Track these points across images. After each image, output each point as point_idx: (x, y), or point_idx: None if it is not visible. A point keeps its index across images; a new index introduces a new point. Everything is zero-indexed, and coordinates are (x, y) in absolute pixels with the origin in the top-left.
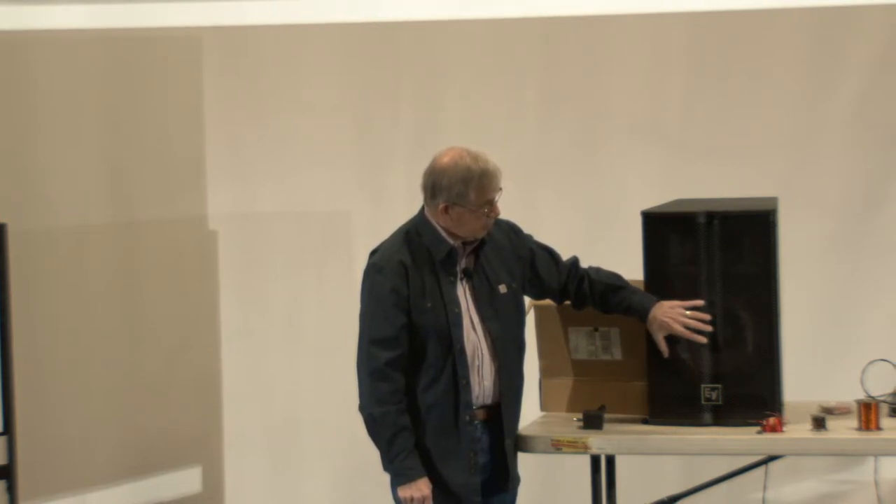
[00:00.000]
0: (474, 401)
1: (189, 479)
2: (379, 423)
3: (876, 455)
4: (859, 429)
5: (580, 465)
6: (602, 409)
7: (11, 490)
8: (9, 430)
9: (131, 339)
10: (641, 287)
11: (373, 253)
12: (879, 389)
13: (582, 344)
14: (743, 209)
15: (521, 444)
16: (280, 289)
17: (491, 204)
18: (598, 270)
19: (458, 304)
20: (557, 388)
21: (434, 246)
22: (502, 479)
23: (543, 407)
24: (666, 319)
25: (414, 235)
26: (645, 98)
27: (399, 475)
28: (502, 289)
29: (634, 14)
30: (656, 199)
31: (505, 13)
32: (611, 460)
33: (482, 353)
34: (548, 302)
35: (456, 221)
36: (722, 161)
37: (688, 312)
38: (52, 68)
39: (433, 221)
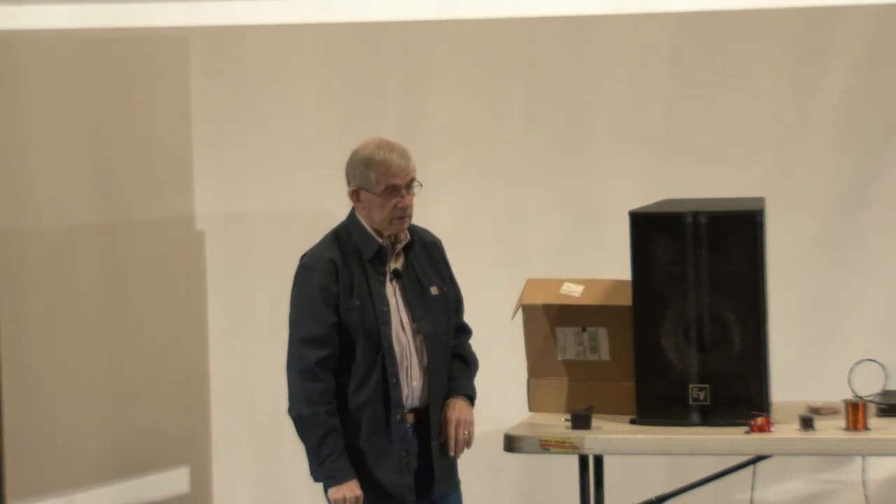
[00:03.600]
0: (404, 401)
1: (177, 480)
2: (308, 424)
3: (863, 455)
4: (847, 429)
5: (568, 466)
6: (590, 409)
7: (0, 490)
8: None
9: (118, 340)
10: (629, 287)
11: (304, 255)
12: (867, 389)
13: (570, 344)
14: (730, 209)
15: (510, 444)
16: (267, 289)
17: (395, 191)
18: (465, 349)
19: (386, 303)
20: (545, 389)
21: (363, 244)
22: (428, 483)
23: (531, 407)
24: (451, 415)
25: (344, 235)
26: (630, 98)
27: (329, 477)
28: (433, 290)
29: (620, 14)
30: (642, 199)
31: (490, 14)
32: (599, 460)
33: (410, 354)
34: (536, 301)
35: (366, 209)
36: (707, 161)
37: (467, 431)
38: (38, 68)
39: (362, 220)
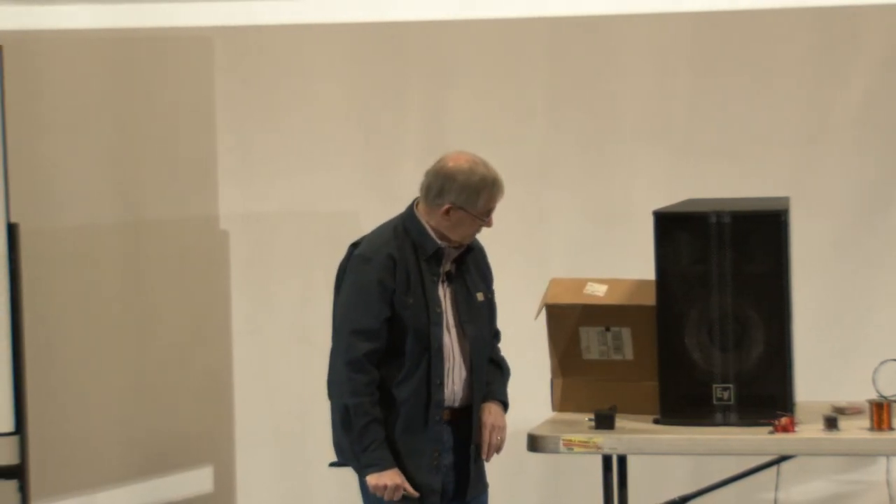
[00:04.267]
0: (445, 402)
1: (200, 479)
2: (352, 413)
3: (888, 455)
4: (871, 429)
5: (592, 465)
6: (613, 408)
7: (23, 490)
8: (20, 429)
9: (142, 339)
10: (652, 287)
11: (354, 245)
12: (891, 389)
13: (593, 344)
14: (754, 209)
15: (533, 443)
16: (290, 288)
17: (490, 213)
18: (499, 356)
19: (440, 304)
20: (568, 388)
21: (422, 243)
22: (462, 484)
23: (555, 407)
24: (487, 420)
25: (401, 231)
26: (653, 98)
27: (370, 465)
28: (479, 296)
29: (641, 14)
30: (665, 199)
31: (512, 13)
32: (622, 460)
33: (454, 356)
34: (560, 301)
35: (453, 225)
36: (730, 161)
37: (500, 437)
38: (63, 69)
39: (422, 220)
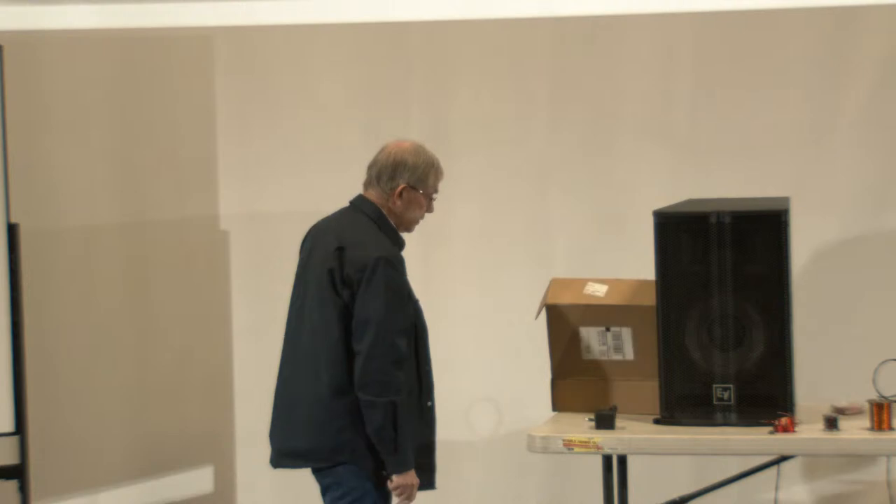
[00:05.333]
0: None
1: (200, 479)
2: (403, 411)
3: (888, 455)
4: (871, 429)
5: (592, 466)
6: (614, 408)
7: (23, 490)
8: (20, 429)
9: (142, 339)
10: (653, 287)
11: (346, 248)
12: (892, 389)
13: (594, 343)
14: (755, 209)
15: (533, 443)
16: (284, 289)
17: (433, 197)
18: None
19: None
20: (569, 388)
21: (399, 240)
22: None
23: (555, 407)
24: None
25: (386, 230)
26: (655, 98)
27: (407, 463)
28: None
29: (644, 14)
30: (667, 199)
31: (515, 13)
32: (623, 460)
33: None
34: (560, 301)
35: (405, 207)
36: (732, 161)
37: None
38: (63, 68)
39: (386, 214)
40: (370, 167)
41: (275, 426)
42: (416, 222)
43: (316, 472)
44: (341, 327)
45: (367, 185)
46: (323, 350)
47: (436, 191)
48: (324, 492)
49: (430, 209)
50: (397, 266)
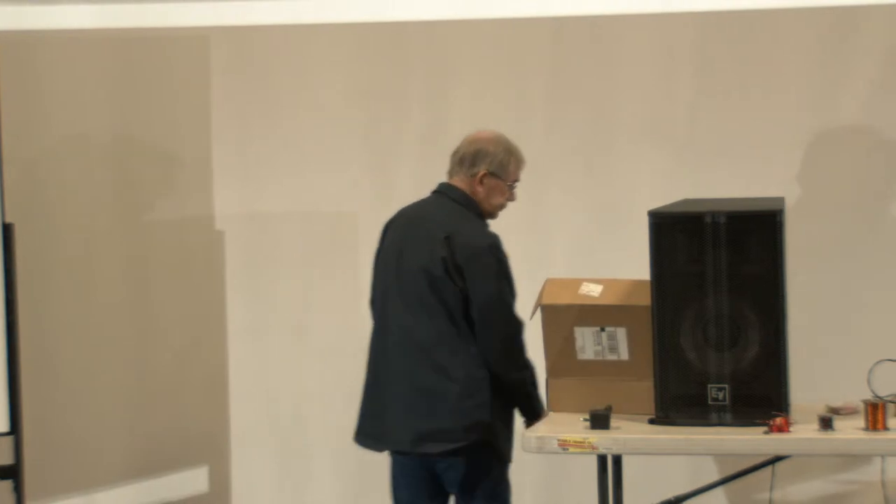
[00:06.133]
0: None
1: (196, 479)
2: (531, 377)
3: (883, 455)
4: (866, 429)
5: (587, 466)
6: (608, 408)
7: (18, 490)
8: (15, 429)
9: (138, 339)
10: (648, 287)
11: (453, 235)
12: (886, 389)
13: (588, 344)
14: (749, 209)
15: (528, 443)
16: (287, 289)
17: (515, 186)
18: None
19: None
20: (564, 388)
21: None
22: None
23: (550, 407)
24: None
25: (476, 215)
26: (652, 98)
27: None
28: None
29: (642, 14)
30: (663, 199)
31: (513, 13)
32: (617, 460)
33: None
34: (555, 301)
35: (486, 193)
36: (730, 161)
37: None
38: (59, 68)
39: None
40: (453, 155)
41: (391, 412)
42: (500, 209)
43: (439, 456)
44: (459, 311)
45: (451, 172)
46: (443, 334)
47: (517, 179)
48: (446, 472)
49: (511, 197)
50: (501, 251)
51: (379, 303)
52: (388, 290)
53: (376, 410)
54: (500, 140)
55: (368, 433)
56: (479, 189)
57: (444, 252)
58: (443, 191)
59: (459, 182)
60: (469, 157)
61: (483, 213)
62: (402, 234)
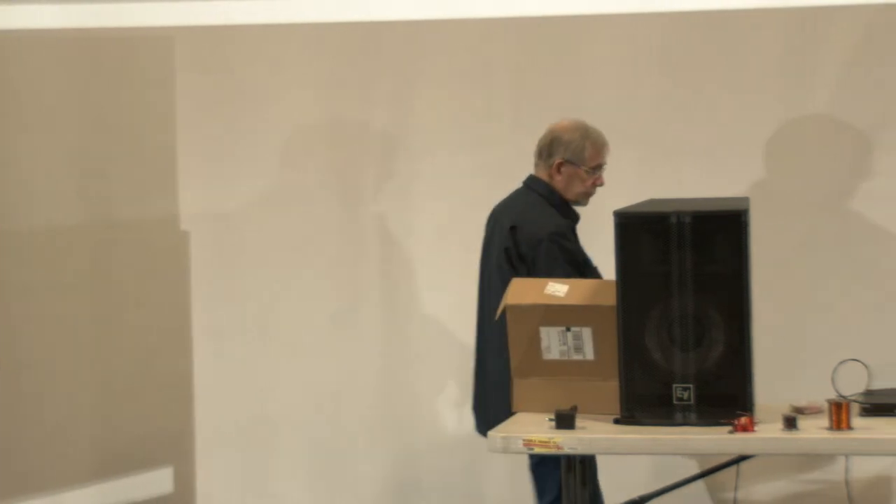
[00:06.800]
0: None
1: (161, 480)
2: None
3: (847, 455)
4: (830, 428)
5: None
6: (574, 408)
7: None
8: None
9: (103, 340)
10: (613, 287)
11: (518, 226)
12: (850, 389)
13: (554, 344)
14: (715, 209)
15: (494, 443)
16: (252, 289)
17: (598, 169)
18: None
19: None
20: (529, 388)
21: (571, 212)
22: None
23: (515, 407)
24: None
25: (556, 204)
26: (619, 98)
27: None
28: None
29: (609, 14)
30: (630, 199)
31: (480, 13)
32: (583, 461)
33: None
34: (520, 301)
35: (566, 182)
36: (696, 161)
37: None
38: (24, 68)
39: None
40: (537, 145)
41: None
42: (585, 196)
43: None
44: None
45: (535, 164)
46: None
47: (597, 164)
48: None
49: (598, 182)
50: (567, 237)
51: (480, 293)
52: (481, 281)
53: (477, 396)
54: (576, 127)
55: (476, 417)
56: (558, 178)
57: (508, 243)
58: (527, 183)
59: (540, 173)
60: (546, 147)
61: (568, 202)
62: (488, 228)
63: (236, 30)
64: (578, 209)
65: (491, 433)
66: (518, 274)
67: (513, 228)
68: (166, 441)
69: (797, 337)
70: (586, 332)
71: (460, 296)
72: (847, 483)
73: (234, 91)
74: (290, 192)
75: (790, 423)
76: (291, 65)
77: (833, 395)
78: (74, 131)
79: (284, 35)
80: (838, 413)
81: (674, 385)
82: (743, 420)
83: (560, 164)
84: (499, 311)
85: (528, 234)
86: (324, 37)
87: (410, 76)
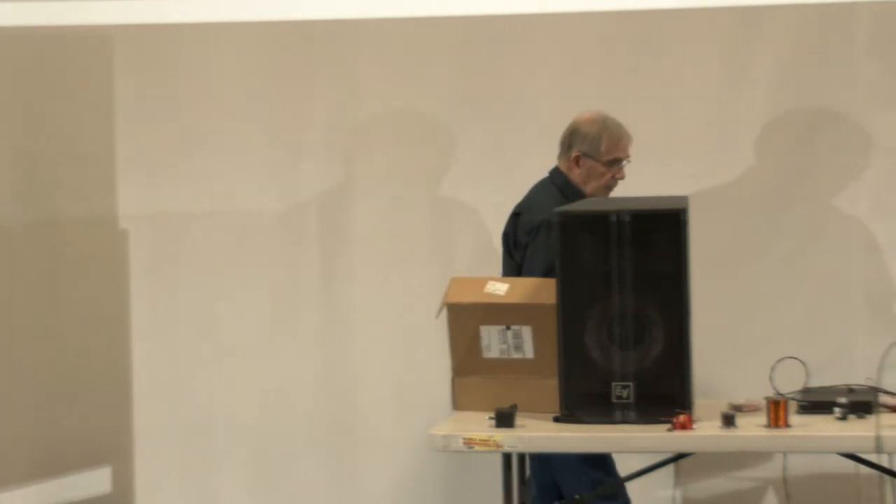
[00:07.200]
0: None
1: (99, 480)
2: None
3: (784, 452)
4: (768, 426)
5: (493, 464)
6: (514, 407)
7: None
8: None
9: (41, 339)
10: (553, 285)
11: (520, 213)
12: (788, 387)
13: (494, 342)
14: (654, 208)
15: (434, 442)
16: (191, 288)
17: (617, 163)
18: None
19: None
20: (469, 387)
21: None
22: None
23: (455, 406)
24: None
25: (568, 192)
26: (559, 97)
27: None
28: None
29: (550, 13)
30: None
31: (419, 13)
32: (522, 458)
33: None
34: (460, 300)
35: (585, 175)
36: (636, 160)
37: None
38: None
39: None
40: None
41: None
42: (605, 190)
43: None
44: None
45: (558, 156)
46: None
47: (615, 158)
48: None
49: (618, 175)
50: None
51: None
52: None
53: None
54: (596, 119)
55: None
56: (577, 171)
57: (508, 228)
58: (550, 174)
59: (561, 165)
60: (566, 140)
61: (587, 196)
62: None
63: (175, 29)
64: None
65: (431, 431)
66: (514, 260)
67: (516, 215)
68: (104, 440)
69: (736, 335)
70: (526, 331)
71: (402, 295)
72: (785, 480)
73: (174, 90)
74: (230, 190)
75: (728, 420)
76: (231, 64)
77: (771, 393)
78: (12, 130)
79: (224, 34)
80: (776, 411)
81: (613, 383)
82: (682, 418)
83: (578, 157)
84: (438, 311)
85: (526, 221)
86: (264, 36)
87: (350, 76)
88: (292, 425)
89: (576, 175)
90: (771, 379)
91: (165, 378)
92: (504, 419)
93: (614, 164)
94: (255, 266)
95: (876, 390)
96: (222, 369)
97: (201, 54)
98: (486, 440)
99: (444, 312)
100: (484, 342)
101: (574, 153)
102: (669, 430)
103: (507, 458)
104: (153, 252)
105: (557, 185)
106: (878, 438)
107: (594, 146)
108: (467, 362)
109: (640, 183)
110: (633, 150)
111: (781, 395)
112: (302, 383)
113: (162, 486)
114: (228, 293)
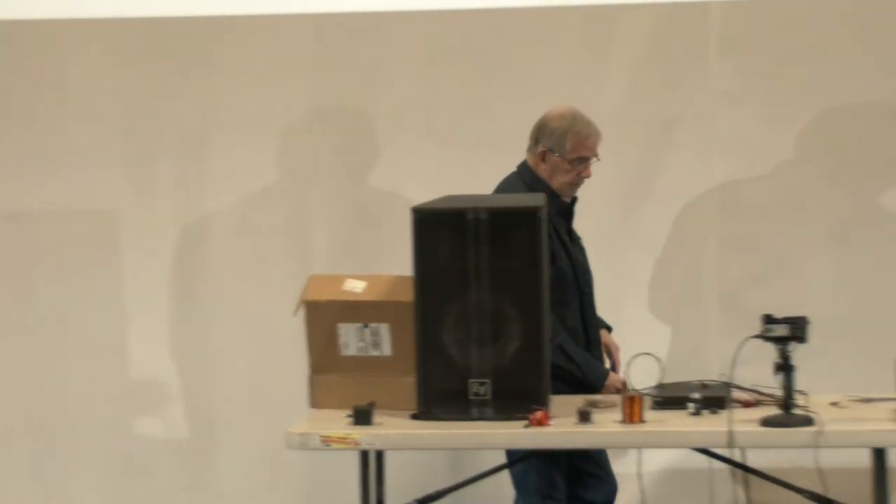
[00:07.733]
0: None
1: None
2: (567, 346)
3: (639, 447)
4: (623, 422)
5: (351, 462)
6: (371, 404)
7: None
8: None
9: None
10: (411, 283)
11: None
12: (643, 383)
13: (352, 340)
14: (511, 206)
15: (291, 440)
16: (46, 287)
17: (583, 161)
18: None
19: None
20: (327, 385)
21: (553, 199)
22: None
23: (313, 403)
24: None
25: (534, 185)
26: (418, 95)
27: (598, 376)
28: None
29: (409, 11)
30: (430, 195)
31: (277, 10)
32: (380, 455)
33: None
34: (318, 297)
35: (550, 171)
36: (495, 157)
37: None
38: None
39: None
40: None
41: None
42: (571, 187)
43: None
44: None
45: (527, 149)
46: None
47: (581, 156)
48: None
49: (584, 174)
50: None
51: None
52: None
53: None
54: (565, 115)
55: None
56: (543, 166)
57: None
58: (518, 168)
59: (529, 159)
60: (534, 133)
61: (558, 191)
62: None
63: (28, 25)
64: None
65: (289, 430)
66: None
67: None
68: None
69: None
70: (384, 329)
71: (260, 292)
72: (639, 476)
73: (27, 88)
74: (85, 189)
75: (584, 416)
76: (89, 62)
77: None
78: None
79: (78, 31)
80: (631, 407)
81: (470, 380)
82: (538, 414)
83: (544, 153)
84: (296, 309)
85: None
86: (120, 33)
87: (207, 73)
88: (146, 424)
89: (542, 170)
90: (626, 375)
91: (18, 378)
92: (362, 417)
93: (580, 163)
94: (109, 263)
95: (729, 386)
96: (78, 368)
97: (54, 51)
98: (343, 438)
99: (302, 310)
100: (342, 340)
101: (540, 149)
102: (526, 426)
103: (364, 455)
104: (7, 251)
105: (525, 181)
106: (730, 433)
107: (560, 143)
108: (325, 360)
109: (497, 180)
110: (486, 148)
111: (636, 390)
112: (157, 381)
113: (14, 487)
114: (83, 290)
